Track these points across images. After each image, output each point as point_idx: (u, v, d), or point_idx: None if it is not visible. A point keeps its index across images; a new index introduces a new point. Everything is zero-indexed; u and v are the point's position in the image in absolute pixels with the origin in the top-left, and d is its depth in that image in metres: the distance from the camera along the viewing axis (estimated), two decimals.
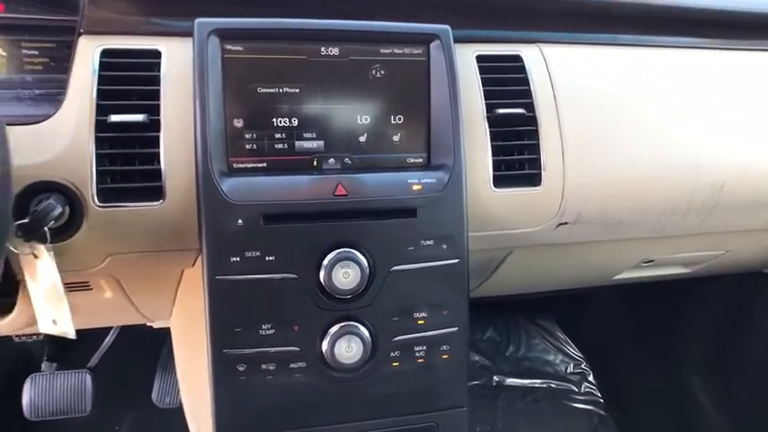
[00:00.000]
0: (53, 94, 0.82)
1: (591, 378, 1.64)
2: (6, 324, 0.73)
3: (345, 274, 0.66)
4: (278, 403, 0.68)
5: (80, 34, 0.68)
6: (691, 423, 1.42)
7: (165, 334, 1.17)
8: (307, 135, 0.70)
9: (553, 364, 1.67)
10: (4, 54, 0.79)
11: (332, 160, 0.71)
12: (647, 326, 1.58)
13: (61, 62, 0.86)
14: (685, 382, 1.46)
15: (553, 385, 1.62)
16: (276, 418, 0.68)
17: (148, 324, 1.00)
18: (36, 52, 0.84)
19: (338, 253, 0.66)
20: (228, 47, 0.67)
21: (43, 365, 1.13)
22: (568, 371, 1.66)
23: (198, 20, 0.67)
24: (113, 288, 0.76)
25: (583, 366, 1.66)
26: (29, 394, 1.17)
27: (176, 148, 0.65)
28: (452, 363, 0.72)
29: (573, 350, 1.69)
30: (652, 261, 1.01)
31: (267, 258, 0.65)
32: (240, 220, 0.64)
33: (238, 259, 0.64)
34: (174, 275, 0.76)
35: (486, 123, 0.74)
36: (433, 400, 0.73)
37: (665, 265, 1.05)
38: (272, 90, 0.69)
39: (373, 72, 0.71)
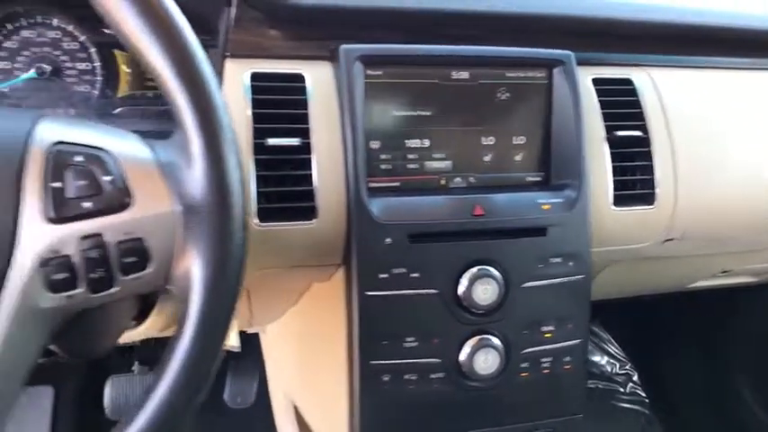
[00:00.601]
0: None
1: (636, 378, 1.69)
2: (145, 330, 0.76)
3: (485, 291, 0.70)
4: (418, 410, 0.71)
5: (224, 57, 0.71)
6: (741, 426, 1.46)
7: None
8: (436, 155, 0.74)
9: (599, 365, 1.71)
10: (128, 71, 0.81)
11: (458, 179, 0.75)
12: (692, 328, 1.62)
13: None
14: (733, 384, 1.49)
15: (600, 386, 1.66)
16: (416, 424, 0.72)
17: (245, 329, 1.03)
18: None
19: (478, 270, 0.70)
20: (370, 72, 0.71)
21: (136, 368, 1.16)
22: (614, 372, 1.70)
23: (343, 46, 0.70)
24: (241, 298, 0.79)
25: (628, 368, 1.71)
26: (109, 395, 1.20)
27: (325, 169, 0.68)
28: (574, 373, 0.76)
29: (618, 351, 1.73)
30: (728, 271, 1.05)
31: (412, 275, 0.69)
32: (389, 239, 0.68)
33: (387, 276, 0.68)
34: (303, 288, 0.79)
35: (607, 145, 0.78)
36: (555, 407, 0.77)
37: (739, 275, 1.09)
38: (406, 112, 0.72)
39: (499, 95, 0.75)
